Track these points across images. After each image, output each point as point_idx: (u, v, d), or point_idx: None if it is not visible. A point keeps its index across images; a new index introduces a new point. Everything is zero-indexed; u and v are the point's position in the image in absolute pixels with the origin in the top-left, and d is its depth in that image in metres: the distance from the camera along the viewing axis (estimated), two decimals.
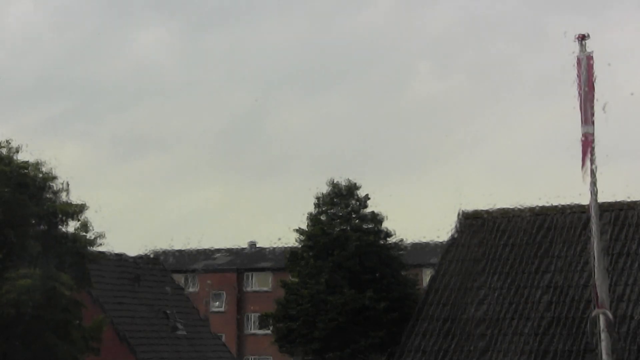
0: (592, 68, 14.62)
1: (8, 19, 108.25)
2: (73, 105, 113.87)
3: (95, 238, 30.18)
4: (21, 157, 29.55)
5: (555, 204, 25.95)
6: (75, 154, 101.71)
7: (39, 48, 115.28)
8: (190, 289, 69.72)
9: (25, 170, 29.12)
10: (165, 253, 68.75)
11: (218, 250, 76.31)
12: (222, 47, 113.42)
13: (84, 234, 29.93)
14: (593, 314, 14.47)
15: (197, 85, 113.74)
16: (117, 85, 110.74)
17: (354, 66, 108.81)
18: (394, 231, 47.45)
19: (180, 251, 73.69)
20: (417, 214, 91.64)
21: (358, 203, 47.32)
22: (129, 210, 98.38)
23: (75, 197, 30.09)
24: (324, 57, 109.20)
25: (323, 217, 47.33)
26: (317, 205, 47.55)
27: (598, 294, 14.39)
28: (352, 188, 47.39)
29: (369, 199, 47.44)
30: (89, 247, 30.28)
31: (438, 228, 72.11)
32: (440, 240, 44.26)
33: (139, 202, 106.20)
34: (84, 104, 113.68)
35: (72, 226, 30.06)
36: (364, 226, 46.82)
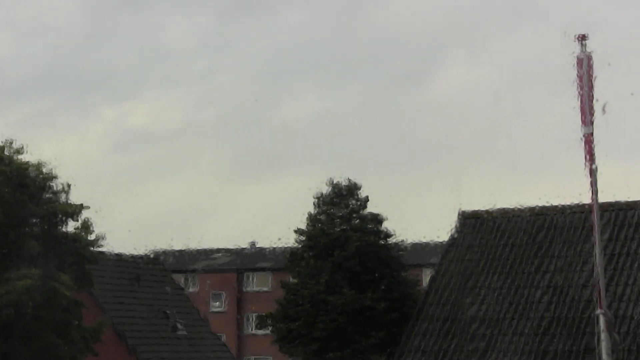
0: (592, 68, 14.64)
1: (22, 5, 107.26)
2: (64, 98, 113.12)
3: (96, 239, 30.19)
4: (22, 157, 29.53)
5: (555, 204, 25.99)
6: (71, 147, 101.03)
7: (50, 33, 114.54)
8: (190, 289, 69.70)
9: (26, 171, 29.09)
10: (165, 253, 68.68)
11: (218, 250, 76.32)
12: (238, 38, 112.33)
13: (85, 235, 29.91)
14: (596, 313, 14.49)
15: (200, 79, 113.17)
16: (114, 76, 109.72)
17: (365, 61, 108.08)
18: (394, 231, 47.47)
19: (180, 251, 73.68)
20: (417, 214, 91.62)
21: (358, 203, 47.32)
22: (129, 209, 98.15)
23: (75, 196, 30.10)
24: (339, 51, 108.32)
25: (323, 217, 47.31)
26: (317, 205, 47.53)
27: (601, 294, 14.41)
28: (352, 188, 47.38)
29: (368, 200, 47.45)
30: (89, 248, 30.26)
31: (438, 228, 72.06)
32: (440, 240, 44.23)
33: (138, 201, 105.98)
34: (78, 95, 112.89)
35: (72, 226, 30.10)
36: (364, 226, 46.81)
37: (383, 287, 45.73)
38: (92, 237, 29.99)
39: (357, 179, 47.77)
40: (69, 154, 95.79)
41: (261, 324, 58.24)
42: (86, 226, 29.84)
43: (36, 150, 31.40)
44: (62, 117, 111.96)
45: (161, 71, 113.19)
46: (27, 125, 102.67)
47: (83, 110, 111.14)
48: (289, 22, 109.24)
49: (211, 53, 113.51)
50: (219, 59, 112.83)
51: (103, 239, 30.24)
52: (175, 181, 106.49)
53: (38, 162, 29.31)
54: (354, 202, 47.35)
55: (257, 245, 76.83)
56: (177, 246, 72.67)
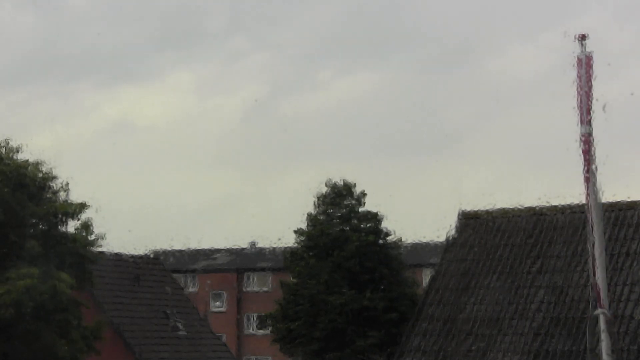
0: (591, 68, 14.62)
1: None
2: (56, 84, 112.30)
3: (96, 239, 30.17)
4: (21, 156, 29.49)
5: (555, 204, 25.98)
6: (66, 137, 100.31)
7: (68, 11, 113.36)
8: (190, 289, 69.73)
9: (25, 170, 29.06)
10: (165, 253, 68.77)
11: (218, 250, 76.35)
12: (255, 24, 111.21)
13: (85, 234, 29.89)
14: (594, 313, 14.48)
15: (203, 72, 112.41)
16: (109, 64, 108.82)
17: (373, 54, 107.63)
18: (394, 231, 47.48)
19: (180, 251, 73.75)
20: (417, 214, 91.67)
21: (357, 202, 47.33)
22: (128, 209, 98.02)
23: (73, 192, 30.05)
24: (353, 38, 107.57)
25: (322, 218, 47.33)
26: (317, 205, 47.57)
27: (600, 293, 14.39)
28: (350, 187, 47.41)
29: (365, 194, 47.44)
30: (89, 248, 30.24)
31: (438, 228, 72.14)
32: (440, 240, 44.22)
33: (137, 200, 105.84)
34: (70, 80, 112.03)
35: (72, 226, 30.08)
36: (363, 225, 46.81)
37: (382, 287, 45.75)
38: (92, 237, 29.98)
39: (356, 178, 47.96)
40: (64, 144, 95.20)
41: (261, 324, 58.25)
42: (86, 226, 29.83)
43: (33, 145, 31.38)
44: (53, 104, 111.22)
45: (162, 60, 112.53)
46: (29, 114, 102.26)
47: (74, 96, 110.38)
48: (309, 16, 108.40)
49: (225, 41, 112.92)
50: (236, 46, 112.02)
51: (103, 238, 30.24)
52: (175, 182, 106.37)
53: (37, 161, 29.30)
54: (353, 202, 47.38)
55: (257, 245, 76.87)
56: (177, 246, 72.85)
